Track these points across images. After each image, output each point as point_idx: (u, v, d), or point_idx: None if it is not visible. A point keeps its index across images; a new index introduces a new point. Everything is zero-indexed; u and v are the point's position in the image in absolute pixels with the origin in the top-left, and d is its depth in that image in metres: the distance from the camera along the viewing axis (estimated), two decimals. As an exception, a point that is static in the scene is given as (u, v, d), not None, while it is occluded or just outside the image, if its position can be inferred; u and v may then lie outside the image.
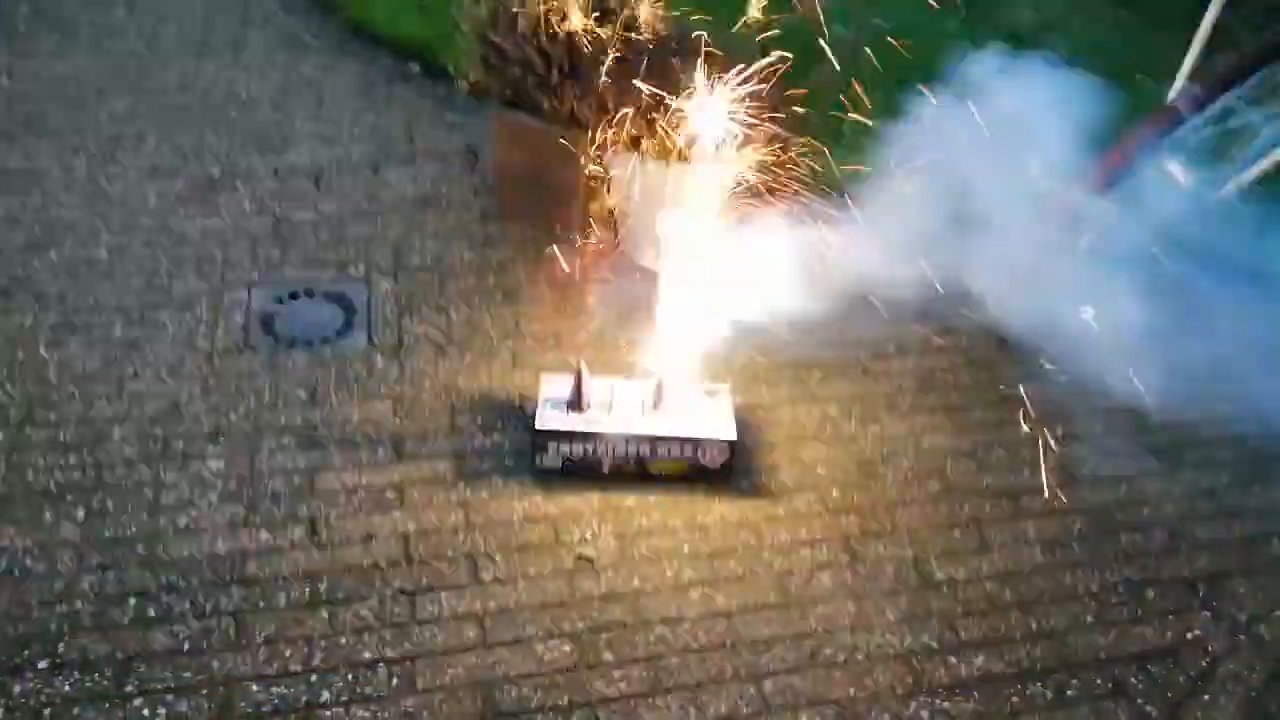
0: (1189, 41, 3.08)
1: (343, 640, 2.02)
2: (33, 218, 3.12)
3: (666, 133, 2.72)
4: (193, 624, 2.02)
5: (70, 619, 2.01)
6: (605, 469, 2.40)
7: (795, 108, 2.73)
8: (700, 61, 2.76)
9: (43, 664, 1.93)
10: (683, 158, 2.77)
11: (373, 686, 1.94)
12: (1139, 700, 2.02)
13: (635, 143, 2.80)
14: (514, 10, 3.10)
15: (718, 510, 2.35)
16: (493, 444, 2.47)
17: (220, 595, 2.08)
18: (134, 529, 2.20)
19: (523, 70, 3.11)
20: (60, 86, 3.85)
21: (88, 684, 1.91)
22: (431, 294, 2.94)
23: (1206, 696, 2.03)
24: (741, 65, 2.56)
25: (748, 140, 2.69)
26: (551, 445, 2.38)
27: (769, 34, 2.69)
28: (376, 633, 2.04)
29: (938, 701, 1.99)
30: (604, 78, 2.80)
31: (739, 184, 2.91)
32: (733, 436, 2.40)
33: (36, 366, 2.59)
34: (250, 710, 1.89)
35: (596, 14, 3.03)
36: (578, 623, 2.09)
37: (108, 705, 1.88)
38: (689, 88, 2.70)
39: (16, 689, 1.89)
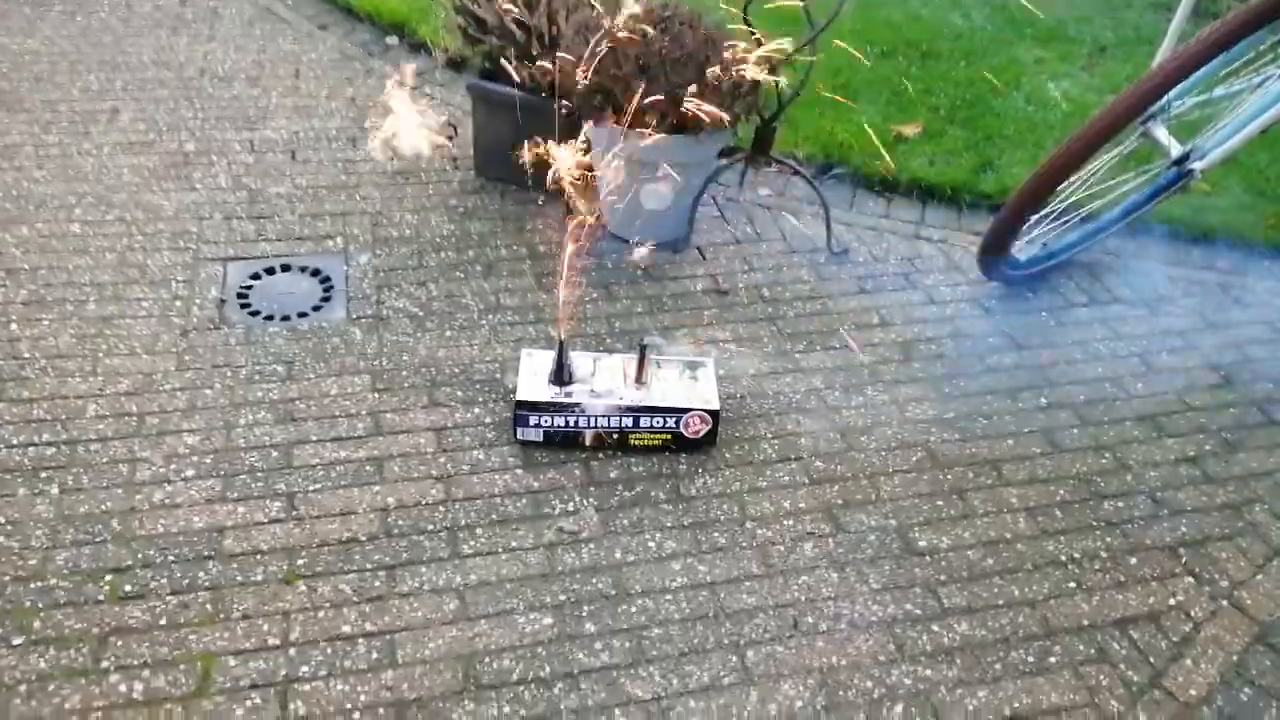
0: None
1: (321, 614, 2.00)
2: (4, 193, 3.07)
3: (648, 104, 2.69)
4: (169, 599, 2.00)
5: (45, 595, 1.99)
6: (587, 441, 2.38)
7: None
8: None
9: (17, 640, 1.91)
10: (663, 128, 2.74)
11: (352, 660, 1.93)
12: (1121, 665, 2.02)
13: (617, 114, 2.77)
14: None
15: (700, 482, 2.34)
16: (473, 417, 2.45)
17: (197, 570, 2.06)
18: (109, 505, 2.17)
19: (502, 41, 3.07)
20: (33, 61, 3.79)
21: (64, 660, 1.88)
22: (410, 267, 2.91)
23: (1189, 661, 2.03)
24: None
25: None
26: (533, 418, 2.35)
27: None
28: (356, 606, 2.02)
29: (920, 669, 1.99)
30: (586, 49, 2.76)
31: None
32: (716, 407, 2.38)
33: (8, 342, 2.55)
34: (229, 685, 1.87)
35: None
36: (559, 595, 2.07)
37: (84, 681, 1.86)
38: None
39: (-10, 666, 1.87)
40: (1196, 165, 2.83)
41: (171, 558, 2.08)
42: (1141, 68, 3.58)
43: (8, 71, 3.71)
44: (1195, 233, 3.25)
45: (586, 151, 2.21)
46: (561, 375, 2.38)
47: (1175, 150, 2.79)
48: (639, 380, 2.41)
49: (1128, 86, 2.57)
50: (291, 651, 1.93)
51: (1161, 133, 2.75)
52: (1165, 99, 2.61)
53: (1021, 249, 2.93)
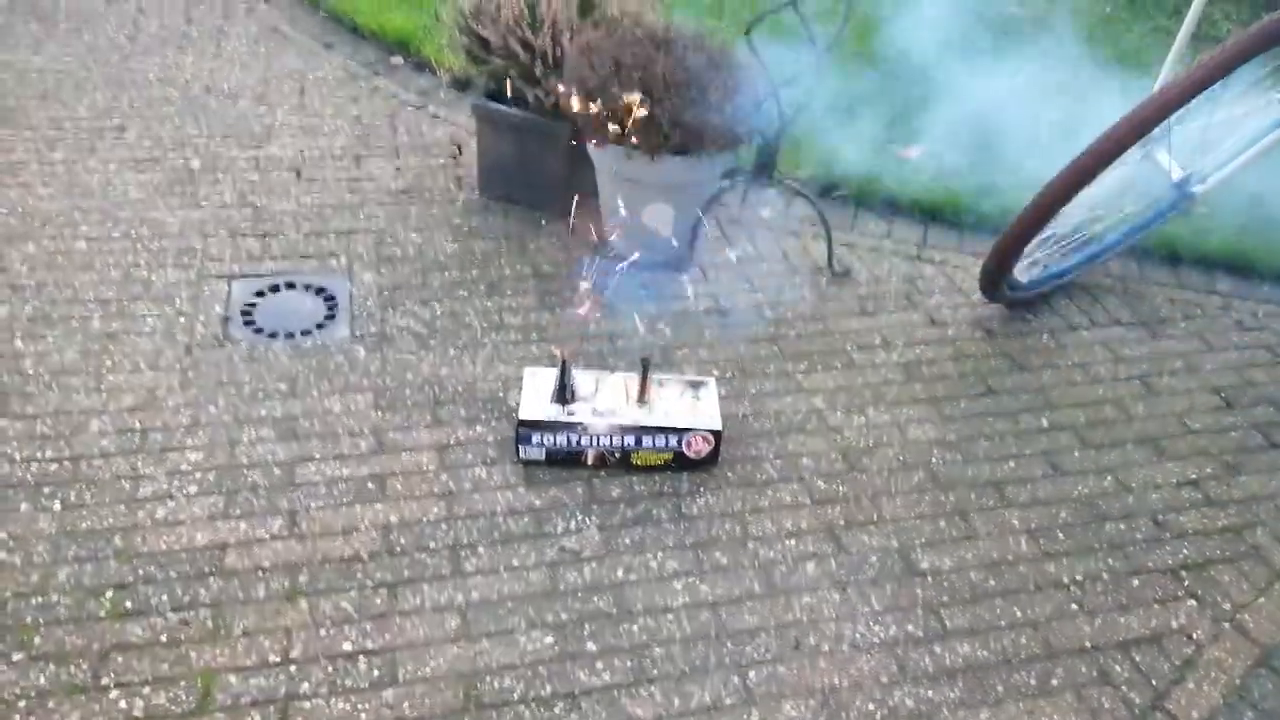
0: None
1: (322, 632, 2.00)
2: (10, 209, 3.09)
3: (653, 122, 2.71)
4: (170, 616, 2.00)
5: (46, 611, 1.99)
6: (589, 460, 2.38)
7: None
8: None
9: (18, 656, 1.91)
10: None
11: (353, 678, 1.92)
12: (1123, 688, 2.01)
13: (621, 132, 2.78)
14: (497, 1, 3.08)
15: (702, 501, 2.34)
16: (476, 435, 2.45)
17: (199, 587, 2.06)
18: (111, 521, 2.17)
19: (506, 61, 3.10)
20: (38, 78, 3.82)
21: (64, 677, 1.88)
22: (414, 286, 2.92)
23: (1191, 684, 2.03)
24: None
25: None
26: (535, 436, 2.36)
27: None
28: (357, 624, 2.02)
29: (922, 690, 1.99)
30: (588, 68, 2.78)
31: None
32: (718, 427, 2.38)
33: (13, 358, 2.56)
34: (229, 702, 1.87)
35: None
36: (561, 614, 2.07)
37: (84, 698, 1.85)
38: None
39: (-10, 682, 1.86)
40: (1197, 189, 2.85)
41: (173, 574, 2.08)
42: (1142, 92, 3.60)
43: (14, 88, 3.73)
44: (1195, 255, 3.26)
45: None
46: (564, 394, 2.39)
47: (1176, 174, 2.80)
48: (641, 399, 2.42)
49: (1129, 110, 2.59)
50: (292, 669, 1.93)
51: (1163, 156, 2.77)
52: (1166, 123, 2.62)
53: (1023, 271, 2.94)
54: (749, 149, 2.99)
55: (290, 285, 2.89)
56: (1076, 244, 2.99)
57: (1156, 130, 2.65)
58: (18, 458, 2.29)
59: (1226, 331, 3.02)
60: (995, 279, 2.88)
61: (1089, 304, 3.08)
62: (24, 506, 2.19)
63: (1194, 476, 2.51)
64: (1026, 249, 2.82)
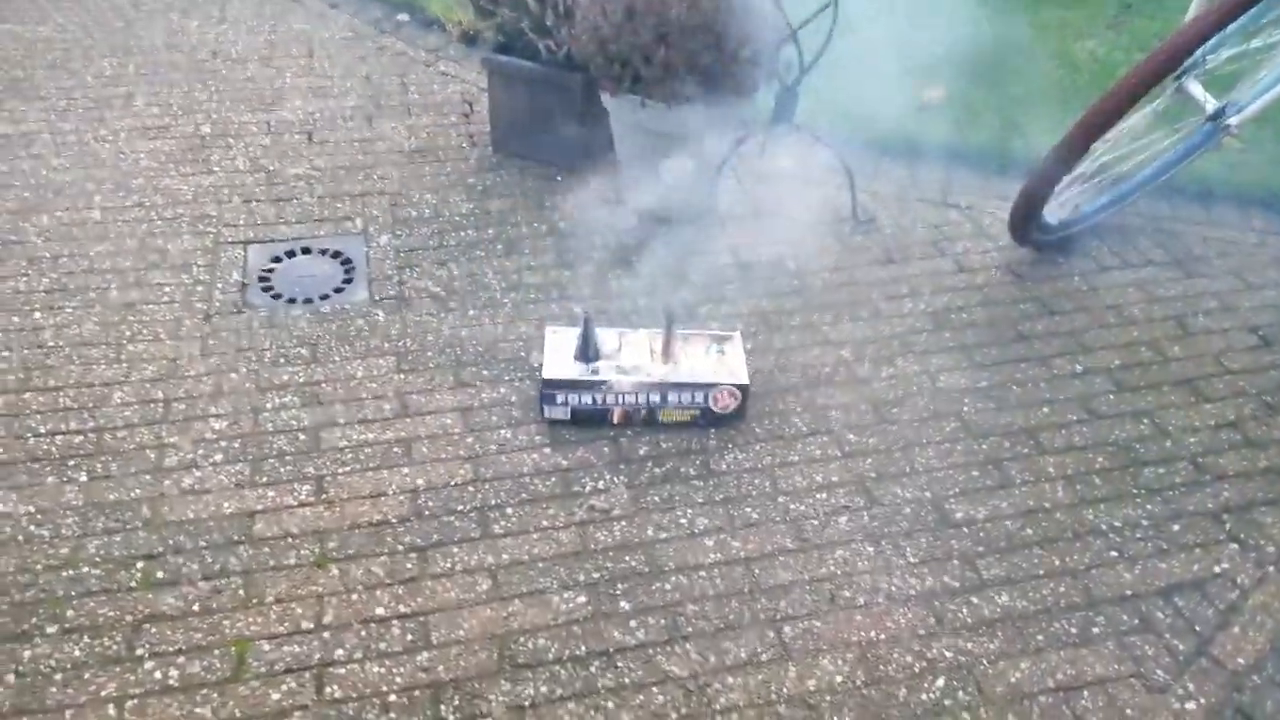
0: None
1: (354, 597, 1.99)
2: (23, 181, 3.06)
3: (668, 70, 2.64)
4: (201, 585, 1.99)
5: (77, 583, 1.99)
6: (615, 418, 2.35)
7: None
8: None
9: (51, 629, 1.91)
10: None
11: (386, 642, 1.91)
12: (1166, 635, 1.98)
13: (635, 83, 2.72)
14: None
15: (731, 457, 2.31)
16: (499, 396, 2.43)
17: (228, 555, 2.05)
18: (138, 491, 2.16)
19: (515, 12, 3.02)
20: (45, 48, 3.77)
21: (98, 648, 1.88)
22: (431, 247, 2.88)
23: (1236, 629, 1.99)
24: None
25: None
26: (559, 396, 2.33)
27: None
28: (388, 589, 2.00)
29: (961, 641, 1.96)
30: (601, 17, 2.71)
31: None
32: (745, 381, 2.34)
33: (33, 330, 2.54)
34: (263, 669, 1.86)
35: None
36: (592, 573, 2.05)
37: (119, 668, 1.85)
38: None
39: (26, 654, 1.86)
40: (1232, 120, 2.76)
41: (202, 543, 2.07)
42: (1169, 25, 3.49)
43: (21, 59, 3.69)
44: (1230, 191, 3.18)
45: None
46: (587, 352, 2.35)
47: (1210, 106, 2.71)
48: (666, 355, 2.38)
49: (1161, 41, 2.50)
50: (325, 635, 1.92)
51: (1196, 88, 2.67)
52: (1199, 53, 2.53)
53: (1053, 212, 2.87)
54: (768, 96, 2.92)
55: (306, 250, 2.86)
56: (1107, 183, 2.91)
57: (1189, 61, 2.56)
58: (42, 430, 2.29)
59: (1263, 268, 2.94)
60: (1025, 221, 2.81)
61: (1121, 244, 3.01)
62: (50, 479, 2.18)
63: (1233, 418, 2.46)
64: (1056, 189, 2.74)
